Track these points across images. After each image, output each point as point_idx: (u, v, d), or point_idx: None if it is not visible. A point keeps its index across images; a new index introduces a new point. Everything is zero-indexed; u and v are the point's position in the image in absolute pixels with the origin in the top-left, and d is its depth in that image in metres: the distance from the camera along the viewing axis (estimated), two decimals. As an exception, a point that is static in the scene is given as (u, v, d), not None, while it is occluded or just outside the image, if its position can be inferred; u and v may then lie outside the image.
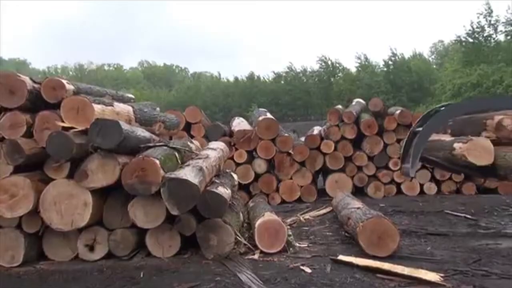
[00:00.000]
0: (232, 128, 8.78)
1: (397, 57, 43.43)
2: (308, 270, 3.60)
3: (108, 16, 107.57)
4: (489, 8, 34.63)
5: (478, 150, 4.37)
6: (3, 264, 3.98)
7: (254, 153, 8.21)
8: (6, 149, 3.96)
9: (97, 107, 4.19)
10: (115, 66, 70.87)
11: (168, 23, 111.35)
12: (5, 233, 4.02)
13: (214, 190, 4.17)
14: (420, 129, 4.77)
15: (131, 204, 3.99)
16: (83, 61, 67.20)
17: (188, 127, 8.48)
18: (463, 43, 36.57)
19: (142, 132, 4.56)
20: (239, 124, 8.97)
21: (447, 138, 4.96)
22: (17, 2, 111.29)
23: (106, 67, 69.43)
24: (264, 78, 47.12)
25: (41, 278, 3.65)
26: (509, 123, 4.28)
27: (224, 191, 4.34)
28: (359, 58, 44.79)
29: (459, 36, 36.54)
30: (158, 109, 6.54)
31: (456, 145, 4.57)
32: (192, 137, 7.95)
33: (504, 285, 3.20)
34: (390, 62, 43.41)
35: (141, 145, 4.37)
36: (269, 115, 8.73)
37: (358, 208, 4.75)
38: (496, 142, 4.43)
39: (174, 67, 71.99)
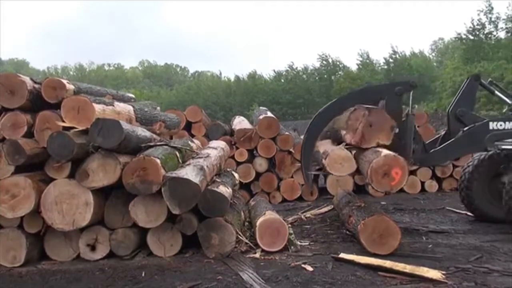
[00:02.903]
0: (233, 127, 8.79)
1: (397, 55, 43.36)
2: (309, 268, 3.60)
3: (109, 16, 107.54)
4: (490, 5, 34.65)
5: (339, 162, 4.28)
6: (5, 264, 3.99)
7: (255, 152, 8.21)
8: (7, 149, 3.96)
9: (98, 107, 4.19)
10: (116, 65, 70.89)
11: (168, 23, 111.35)
12: (6, 234, 4.03)
13: (215, 189, 4.17)
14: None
15: (132, 204, 3.99)
16: (84, 61, 67.41)
17: (188, 126, 8.49)
18: (464, 41, 36.55)
19: (142, 132, 4.56)
20: (240, 123, 8.97)
21: (322, 150, 4.73)
22: (17, 2, 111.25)
23: (106, 67, 69.48)
24: (264, 76, 47.10)
25: (43, 278, 3.66)
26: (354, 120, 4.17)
27: (225, 190, 4.34)
28: (361, 56, 44.72)
29: (459, 34, 36.55)
30: (158, 108, 6.55)
31: (323, 161, 4.42)
32: (192, 136, 7.97)
33: (506, 282, 3.20)
34: (390, 60, 43.35)
35: (142, 144, 4.37)
36: (269, 114, 8.73)
37: (359, 206, 4.74)
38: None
39: (174, 66, 71.92)
